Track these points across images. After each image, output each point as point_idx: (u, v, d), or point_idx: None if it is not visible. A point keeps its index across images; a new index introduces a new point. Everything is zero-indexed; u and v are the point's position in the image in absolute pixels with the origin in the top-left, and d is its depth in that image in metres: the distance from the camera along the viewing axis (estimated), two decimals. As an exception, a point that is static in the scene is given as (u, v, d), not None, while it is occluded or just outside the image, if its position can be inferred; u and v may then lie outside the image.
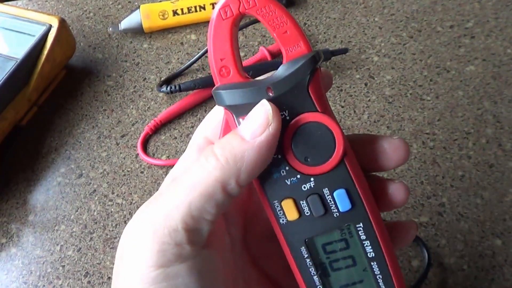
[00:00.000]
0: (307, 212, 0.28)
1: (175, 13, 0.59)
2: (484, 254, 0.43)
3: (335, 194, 0.28)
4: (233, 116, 0.27)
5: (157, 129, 0.52)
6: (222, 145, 0.26)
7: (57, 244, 0.46)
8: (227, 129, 0.29)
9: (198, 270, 0.27)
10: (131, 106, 0.54)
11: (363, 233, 0.28)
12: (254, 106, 0.26)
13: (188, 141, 0.50)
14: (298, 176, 0.27)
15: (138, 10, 0.59)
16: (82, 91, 0.56)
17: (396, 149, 0.30)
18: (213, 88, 0.28)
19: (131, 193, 0.49)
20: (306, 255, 0.29)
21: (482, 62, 0.55)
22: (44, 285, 0.44)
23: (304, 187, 0.28)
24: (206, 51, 0.55)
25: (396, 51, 0.56)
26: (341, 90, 0.54)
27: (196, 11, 0.59)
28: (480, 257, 0.43)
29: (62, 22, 0.54)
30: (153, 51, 0.59)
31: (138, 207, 0.47)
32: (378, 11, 0.60)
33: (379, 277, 0.29)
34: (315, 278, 0.29)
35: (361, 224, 0.28)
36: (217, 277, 0.28)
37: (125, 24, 0.59)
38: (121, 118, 0.54)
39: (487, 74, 0.54)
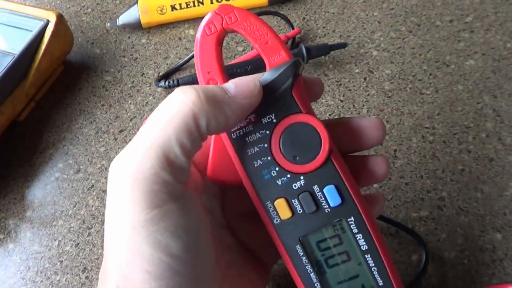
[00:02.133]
0: (300, 210, 0.29)
1: (173, 8, 0.59)
2: (485, 248, 0.43)
3: (325, 190, 0.29)
4: None
5: (155, 124, 0.52)
6: (204, 88, 0.27)
7: (55, 240, 0.46)
8: (217, 137, 0.30)
9: (188, 210, 0.27)
10: (129, 101, 0.54)
11: (355, 227, 0.29)
12: None
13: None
14: (288, 175, 0.29)
15: (136, 5, 0.59)
16: (80, 86, 0.56)
17: (375, 126, 0.32)
18: None
19: (129, 188, 0.48)
20: (301, 253, 0.29)
21: (482, 57, 0.55)
22: (42, 281, 0.44)
23: (295, 186, 0.29)
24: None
25: (395, 45, 0.56)
26: (340, 84, 0.53)
27: (194, 6, 0.59)
28: (480, 251, 0.43)
29: (60, 17, 0.53)
30: (151, 46, 0.58)
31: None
32: (377, 6, 0.60)
33: (374, 269, 0.29)
34: (312, 275, 0.29)
35: (352, 218, 0.29)
36: (203, 220, 0.29)
37: (123, 19, 0.59)
38: (119, 113, 0.53)
39: (487, 68, 0.54)
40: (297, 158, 0.28)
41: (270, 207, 0.29)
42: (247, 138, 0.29)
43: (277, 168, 0.29)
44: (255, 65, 0.52)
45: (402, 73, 0.54)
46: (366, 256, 0.29)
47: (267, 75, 0.29)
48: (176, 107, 0.26)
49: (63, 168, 0.50)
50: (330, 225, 0.29)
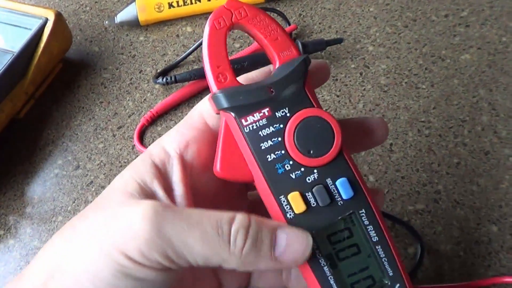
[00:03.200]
0: (313, 203, 0.29)
1: (170, 5, 0.59)
2: (480, 240, 0.44)
3: (337, 183, 0.29)
4: (234, 117, 0.28)
5: (154, 121, 0.52)
6: (254, 240, 0.26)
7: (55, 235, 0.47)
8: (227, 132, 0.29)
9: None
10: (128, 98, 0.55)
11: (366, 219, 0.29)
12: (256, 105, 0.28)
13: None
14: (302, 169, 0.29)
15: (134, 3, 0.59)
16: (78, 83, 0.56)
17: (379, 126, 0.32)
18: (210, 95, 0.29)
19: (128, 184, 0.49)
20: (315, 247, 0.29)
21: (477, 51, 0.55)
22: (42, 276, 0.45)
23: (309, 179, 0.29)
24: (202, 43, 0.55)
25: (391, 40, 0.56)
26: (336, 79, 0.54)
27: (191, 3, 0.59)
28: (476, 244, 0.43)
29: (58, 16, 0.54)
30: (149, 43, 0.59)
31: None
32: (373, 1, 0.60)
33: (384, 259, 0.29)
34: (326, 269, 0.29)
35: (363, 210, 0.29)
36: None
37: (121, 17, 0.59)
38: (117, 110, 0.54)
39: (482, 63, 0.54)
40: (311, 151, 0.29)
41: (284, 201, 0.29)
42: (260, 132, 0.29)
43: (291, 162, 0.29)
44: (252, 61, 0.52)
45: (398, 68, 0.54)
46: (377, 247, 0.29)
47: (279, 70, 0.29)
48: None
49: (62, 164, 0.51)
50: (342, 219, 0.29)
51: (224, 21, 0.29)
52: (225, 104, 0.28)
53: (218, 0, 0.59)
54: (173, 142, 0.30)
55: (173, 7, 0.59)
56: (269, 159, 0.29)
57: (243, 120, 0.28)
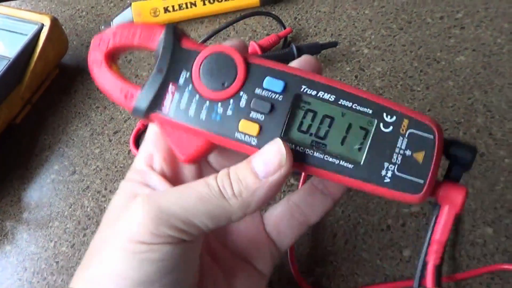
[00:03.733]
0: (261, 117, 0.30)
1: (166, 10, 0.59)
2: (476, 242, 0.43)
3: (264, 86, 0.30)
4: (157, 113, 0.30)
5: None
6: (236, 178, 0.28)
7: (51, 241, 0.47)
8: (164, 127, 0.31)
9: (188, 254, 0.29)
10: (124, 103, 0.55)
11: (311, 90, 0.29)
12: (162, 90, 0.30)
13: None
14: (231, 101, 0.30)
15: (129, 8, 0.59)
16: (75, 89, 0.56)
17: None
18: (131, 112, 0.30)
19: (124, 189, 0.49)
20: (294, 146, 0.29)
21: (472, 52, 0.55)
22: (38, 281, 0.45)
23: (242, 103, 0.30)
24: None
25: (386, 43, 0.57)
26: (332, 82, 0.54)
27: (187, 7, 0.59)
28: (471, 246, 0.43)
29: (54, 21, 0.54)
30: (145, 48, 0.59)
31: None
32: (368, 4, 0.60)
33: (356, 106, 0.29)
34: (318, 154, 0.29)
35: (303, 86, 0.30)
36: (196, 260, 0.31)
37: (117, 21, 0.59)
38: (113, 115, 0.54)
39: (477, 64, 0.54)
40: (225, 83, 0.30)
41: (240, 135, 0.30)
42: (181, 104, 0.30)
43: (219, 104, 0.30)
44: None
45: (393, 70, 0.54)
46: (340, 102, 0.29)
47: (156, 53, 0.31)
48: (211, 200, 0.28)
49: (59, 170, 0.51)
50: (293, 107, 0.30)
51: (98, 58, 0.31)
52: (142, 111, 0.30)
53: (213, 4, 0.59)
54: (141, 160, 0.32)
55: (169, 11, 0.59)
56: (202, 117, 0.30)
57: (163, 108, 0.30)
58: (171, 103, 0.30)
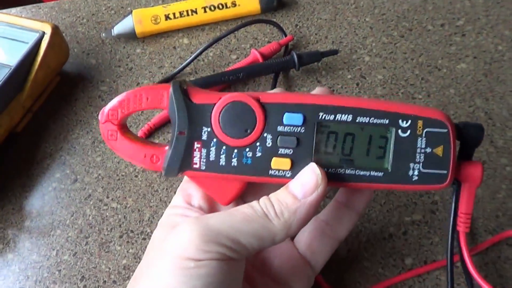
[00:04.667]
0: (290, 151, 0.32)
1: (167, 17, 0.59)
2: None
3: (285, 122, 0.31)
4: (189, 170, 0.32)
5: (151, 133, 0.53)
6: (277, 200, 0.31)
7: (53, 249, 0.47)
8: (198, 179, 0.33)
9: (232, 273, 0.30)
10: (125, 111, 0.55)
11: (329, 115, 0.31)
12: (188, 150, 0.32)
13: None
14: (258, 143, 0.32)
15: (130, 15, 0.59)
16: (76, 96, 0.56)
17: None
18: (163, 174, 0.32)
19: (125, 197, 0.49)
20: (326, 168, 0.32)
21: (473, 60, 0.55)
22: (40, 290, 0.45)
23: (268, 143, 0.32)
24: (198, 55, 0.56)
25: (387, 50, 0.57)
26: (333, 90, 0.54)
27: (188, 15, 0.59)
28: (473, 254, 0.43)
29: (55, 29, 0.54)
30: (146, 55, 0.59)
31: (132, 211, 0.47)
32: (369, 11, 0.60)
33: (372, 120, 0.31)
34: (348, 171, 0.32)
35: (320, 113, 0.31)
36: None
37: (118, 29, 0.59)
38: (115, 123, 0.54)
39: (478, 72, 0.54)
40: (247, 130, 0.31)
41: (274, 172, 0.32)
42: (210, 157, 0.32)
43: (247, 149, 0.31)
44: (247, 72, 0.52)
45: (394, 78, 0.54)
46: (358, 120, 0.31)
47: (170, 115, 0.32)
48: (257, 222, 0.30)
49: (61, 178, 0.51)
50: (317, 133, 0.31)
51: (112, 131, 0.33)
52: (175, 172, 0.32)
53: (214, 11, 0.59)
54: (179, 198, 0.36)
55: (170, 19, 0.59)
56: (234, 164, 0.32)
57: (194, 165, 0.32)
58: (201, 159, 0.32)
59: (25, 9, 0.65)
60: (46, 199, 0.50)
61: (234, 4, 0.60)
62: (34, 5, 0.66)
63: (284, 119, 0.31)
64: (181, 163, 0.32)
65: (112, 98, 0.55)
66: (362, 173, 0.31)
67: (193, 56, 0.56)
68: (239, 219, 0.29)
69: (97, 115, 0.54)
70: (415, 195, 0.47)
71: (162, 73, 0.57)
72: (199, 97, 0.32)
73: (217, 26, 0.61)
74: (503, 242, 0.44)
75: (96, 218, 0.48)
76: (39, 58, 0.53)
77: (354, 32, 0.59)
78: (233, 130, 0.31)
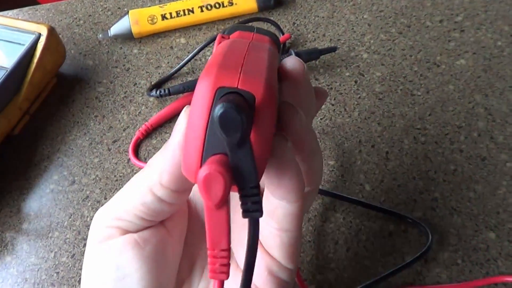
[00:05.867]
0: None
1: (163, 17, 0.59)
2: (478, 247, 0.43)
3: None
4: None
5: (148, 134, 0.52)
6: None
7: (51, 251, 0.46)
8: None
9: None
10: (122, 112, 0.54)
11: None
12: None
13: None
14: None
15: (127, 16, 0.59)
16: (73, 98, 0.56)
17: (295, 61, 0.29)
18: None
19: (123, 198, 0.49)
20: None
21: (472, 56, 0.55)
22: (38, 293, 0.45)
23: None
24: (195, 54, 0.55)
25: (386, 47, 0.56)
26: (331, 88, 0.54)
27: (184, 14, 0.59)
28: (474, 251, 0.43)
29: (51, 30, 0.54)
30: (143, 56, 0.59)
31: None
32: (367, 8, 0.60)
33: None
34: None
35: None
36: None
37: (114, 30, 0.59)
38: (112, 124, 0.54)
39: (478, 68, 0.54)
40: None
41: None
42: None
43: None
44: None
45: (392, 75, 0.54)
46: None
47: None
48: (132, 184, 0.29)
49: (58, 180, 0.51)
50: None
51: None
52: None
53: (211, 10, 0.59)
54: None
55: (166, 19, 0.59)
56: None
57: None
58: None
59: (22, 11, 0.65)
60: (43, 201, 0.49)
61: (231, 3, 0.59)
62: (31, 7, 0.65)
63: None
64: None
65: (109, 99, 0.55)
66: None
67: (190, 55, 0.55)
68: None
69: (95, 116, 0.54)
70: (415, 192, 0.46)
71: (159, 73, 0.57)
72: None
73: (214, 25, 0.61)
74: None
75: (94, 220, 0.48)
76: (35, 60, 0.53)
77: (352, 29, 0.58)
78: None
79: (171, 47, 0.59)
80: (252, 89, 0.21)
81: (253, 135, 0.22)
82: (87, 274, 0.29)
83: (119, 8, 0.64)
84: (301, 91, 0.27)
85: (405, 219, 0.45)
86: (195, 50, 0.55)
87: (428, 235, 0.43)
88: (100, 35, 0.60)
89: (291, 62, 0.28)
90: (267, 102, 0.22)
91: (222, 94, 0.21)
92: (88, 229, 0.47)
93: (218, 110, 0.19)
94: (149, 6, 0.61)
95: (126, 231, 0.28)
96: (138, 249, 0.28)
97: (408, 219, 0.44)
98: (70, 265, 0.46)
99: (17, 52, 0.52)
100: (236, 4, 0.59)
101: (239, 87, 0.21)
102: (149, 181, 0.27)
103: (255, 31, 0.28)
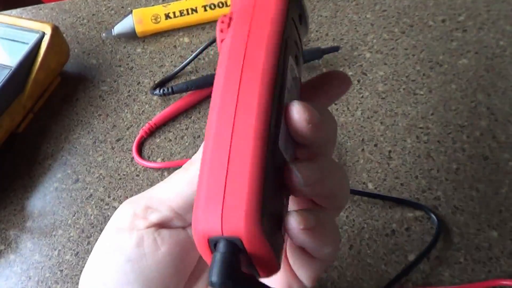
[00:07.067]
0: None
1: (167, 16, 0.59)
2: (481, 246, 0.43)
3: None
4: None
5: (152, 132, 0.53)
6: None
7: (55, 249, 0.47)
8: None
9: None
10: (126, 110, 0.55)
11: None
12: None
13: (183, 143, 0.51)
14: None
15: (130, 15, 0.59)
16: (77, 97, 0.56)
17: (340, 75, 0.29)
18: None
19: (127, 196, 0.49)
20: None
21: (475, 55, 0.55)
22: (42, 290, 0.45)
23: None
24: (199, 54, 0.56)
25: (389, 47, 0.56)
26: (334, 87, 0.54)
27: (188, 14, 0.59)
28: (476, 250, 0.43)
29: (55, 29, 0.54)
30: (147, 55, 0.59)
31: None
32: (369, 8, 0.60)
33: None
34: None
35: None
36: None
37: (118, 29, 0.59)
38: (116, 123, 0.54)
39: (480, 67, 0.54)
40: None
41: None
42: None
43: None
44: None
45: (395, 74, 0.54)
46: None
47: None
48: None
49: (62, 178, 0.51)
50: None
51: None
52: None
53: (214, 10, 0.59)
54: None
55: (170, 18, 0.59)
56: None
57: None
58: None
59: (26, 10, 0.65)
60: (47, 199, 0.50)
61: (234, 3, 0.59)
62: (35, 6, 0.66)
63: None
64: None
65: (112, 98, 0.55)
66: None
67: (193, 55, 0.56)
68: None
69: (98, 115, 0.55)
70: (417, 191, 0.46)
71: (162, 72, 0.57)
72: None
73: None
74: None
75: (98, 218, 0.48)
76: (39, 59, 0.53)
77: (355, 29, 0.58)
78: None
79: (175, 46, 0.60)
80: (236, 230, 0.20)
81: (257, 266, 0.22)
82: (95, 258, 0.29)
83: (122, 7, 0.64)
84: (313, 148, 0.26)
85: (415, 205, 0.45)
86: (199, 49, 0.56)
87: (435, 224, 0.44)
88: (104, 34, 0.60)
89: (296, 113, 0.23)
90: (255, 241, 0.21)
91: (213, 243, 0.21)
92: (92, 227, 0.47)
93: (214, 279, 0.20)
94: (153, 5, 0.61)
95: (153, 224, 0.28)
96: (154, 246, 0.28)
97: (419, 206, 0.45)
98: (74, 263, 0.46)
99: (21, 51, 0.53)
100: (239, 3, 0.60)
101: (223, 234, 0.21)
102: (189, 175, 0.28)
103: None
